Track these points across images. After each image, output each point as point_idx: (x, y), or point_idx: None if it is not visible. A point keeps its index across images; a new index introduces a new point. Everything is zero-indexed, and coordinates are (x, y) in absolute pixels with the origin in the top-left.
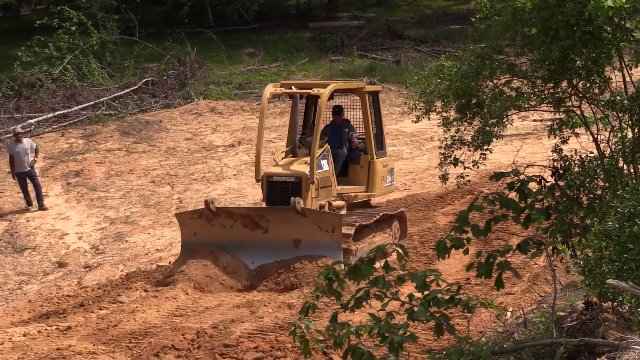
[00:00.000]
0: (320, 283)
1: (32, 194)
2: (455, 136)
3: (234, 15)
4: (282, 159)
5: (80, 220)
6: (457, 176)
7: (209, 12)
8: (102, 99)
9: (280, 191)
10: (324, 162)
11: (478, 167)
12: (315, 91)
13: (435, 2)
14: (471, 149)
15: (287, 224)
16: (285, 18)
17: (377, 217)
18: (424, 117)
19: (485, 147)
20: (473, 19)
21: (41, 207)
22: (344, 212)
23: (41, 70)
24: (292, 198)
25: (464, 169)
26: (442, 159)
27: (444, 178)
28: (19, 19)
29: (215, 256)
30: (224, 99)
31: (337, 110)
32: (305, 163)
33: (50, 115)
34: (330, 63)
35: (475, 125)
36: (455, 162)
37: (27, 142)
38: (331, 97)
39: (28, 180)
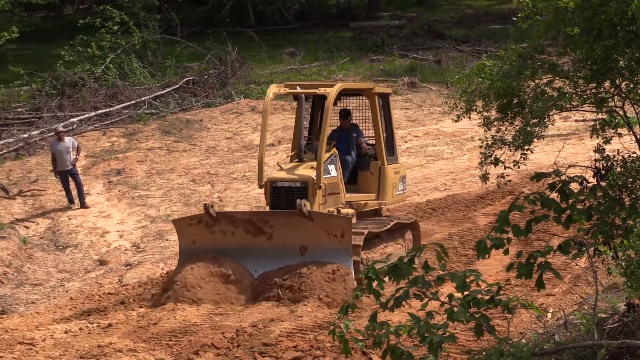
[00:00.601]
0: (328, 293)
1: (74, 192)
2: (496, 136)
3: (275, 14)
4: (287, 163)
5: (121, 219)
6: (498, 176)
7: (250, 12)
8: (143, 98)
9: (285, 197)
10: (331, 167)
11: (519, 167)
12: (321, 91)
13: (477, 2)
14: (512, 148)
15: (292, 228)
16: (326, 17)
17: (389, 225)
18: (464, 117)
19: (526, 147)
20: (515, 19)
21: (83, 205)
22: (353, 220)
23: (84, 70)
24: (297, 200)
25: (505, 169)
26: (483, 159)
27: (485, 178)
28: (62, 18)
29: (220, 262)
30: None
31: (344, 114)
32: (312, 167)
33: (93, 114)
34: (370, 63)
35: (517, 125)
36: (496, 162)
37: (69, 140)
38: (340, 99)
39: (70, 179)
